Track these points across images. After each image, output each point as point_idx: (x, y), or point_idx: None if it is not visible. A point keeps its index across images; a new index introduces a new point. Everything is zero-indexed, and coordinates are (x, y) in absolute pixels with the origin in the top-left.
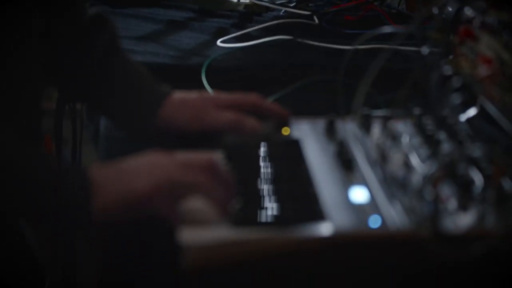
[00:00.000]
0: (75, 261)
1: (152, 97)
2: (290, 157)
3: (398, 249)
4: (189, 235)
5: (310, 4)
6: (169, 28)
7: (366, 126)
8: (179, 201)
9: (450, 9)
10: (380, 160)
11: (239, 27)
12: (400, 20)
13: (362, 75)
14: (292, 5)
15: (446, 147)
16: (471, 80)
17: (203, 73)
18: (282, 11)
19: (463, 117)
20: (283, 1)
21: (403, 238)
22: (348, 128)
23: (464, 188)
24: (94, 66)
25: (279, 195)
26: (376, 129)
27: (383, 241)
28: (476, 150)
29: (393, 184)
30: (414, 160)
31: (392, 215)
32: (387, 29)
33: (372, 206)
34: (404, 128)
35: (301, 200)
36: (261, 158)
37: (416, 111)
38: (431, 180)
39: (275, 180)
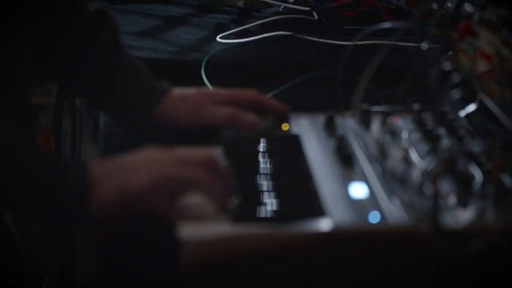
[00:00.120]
0: (75, 260)
1: (152, 94)
2: (289, 153)
3: (397, 245)
4: (188, 231)
5: (309, 0)
6: (168, 24)
7: (365, 121)
8: (178, 197)
9: (450, 4)
10: (380, 156)
11: (239, 23)
12: (399, 16)
13: (361, 71)
14: (291, 1)
15: (446, 142)
16: (470, 76)
17: (203, 68)
18: (282, 6)
19: (463, 113)
20: None
21: (403, 234)
22: (348, 123)
23: (464, 184)
24: (94, 62)
25: (278, 191)
26: (376, 125)
27: (383, 237)
28: (475, 146)
29: (393, 179)
30: (414, 155)
31: (392, 211)
32: (386, 25)
33: (372, 201)
34: (403, 124)
35: (301, 196)
36: (260, 154)
37: (416, 107)
38: (431, 176)
39: (274, 175)
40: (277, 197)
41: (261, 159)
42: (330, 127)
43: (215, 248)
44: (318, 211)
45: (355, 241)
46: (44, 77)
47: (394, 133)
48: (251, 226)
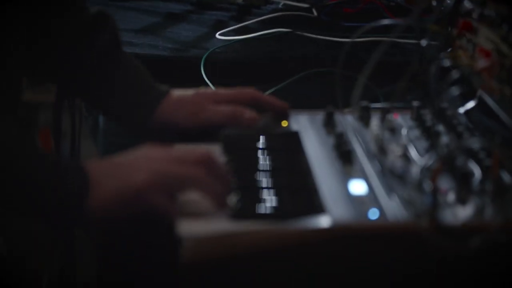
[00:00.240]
0: (75, 260)
1: (151, 94)
2: (289, 150)
3: (397, 241)
4: (187, 228)
5: None
6: (168, 21)
7: (365, 118)
8: (175, 195)
9: (449, 1)
10: (379, 153)
11: (238, 19)
12: (399, 13)
13: (361, 68)
14: None
15: (445, 139)
16: (470, 72)
17: (202, 65)
18: (281, 3)
19: (462, 110)
20: None
21: (402, 230)
22: (347, 120)
23: (463, 181)
24: (94, 62)
25: (278, 188)
26: (375, 122)
27: (382, 233)
28: (474, 143)
29: (392, 176)
30: (413, 152)
31: (391, 208)
32: (385, 21)
33: (371, 198)
34: (403, 121)
35: (300, 193)
36: (259, 151)
37: (415, 103)
38: (430, 173)
39: (274, 172)
40: (276, 194)
41: (260, 156)
42: (329, 124)
43: (214, 245)
44: (318, 208)
45: (354, 237)
46: (43, 77)
47: (394, 130)
48: (250, 223)
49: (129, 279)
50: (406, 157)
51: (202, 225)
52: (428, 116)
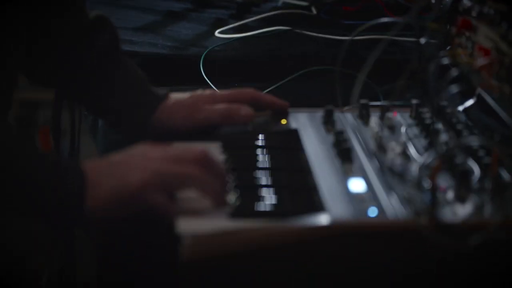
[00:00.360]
0: (75, 260)
1: (149, 98)
2: (288, 148)
3: (396, 239)
4: (186, 225)
5: None
6: (168, 19)
7: (364, 116)
8: (174, 194)
9: None
10: (378, 151)
11: (237, 18)
12: (398, 11)
13: (360, 66)
14: None
15: (444, 137)
16: (469, 70)
17: (201, 63)
18: (280, 1)
19: (461, 108)
20: None
21: (401, 228)
22: (346, 118)
23: (462, 179)
24: (92, 66)
25: (277, 186)
26: (374, 120)
27: (381, 231)
28: (474, 141)
29: (391, 174)
30: (412, 150)
31: (390, 206)
32: (384, 19)
33: (370, 196)
34: (402, 119)
35: (299, 191)
36: (259, 149)
37: (414, 101)
38: (429, 171)
39: (273, 170)
40: (275, 192)
41: (259, 154)
42: (328, 122)
43: (213, 243)
44: (317, 206)
45: (353, 236)
46: (43, 80)
47: (393, 128)
48: (249, 221)
49: (128, 279)
50: (405, 155)
51: (201, 223)
52: (427, 114)
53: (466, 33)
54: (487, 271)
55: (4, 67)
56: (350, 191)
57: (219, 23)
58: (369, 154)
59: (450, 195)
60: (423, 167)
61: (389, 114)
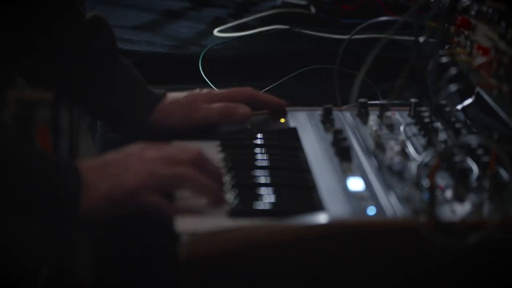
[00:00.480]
0: (73, 260)
1: (147, 100)
2: (287, 146)
3: (395, 238)
4: (184, 224)
5: None
6: (166, 18)
7: (363, 115)
8: (171, 193)
9: None
10: (377, 149)
11: (236, 16)
12: (397, 10)
13: (359, 65)
14: None
15: (443, 136)
16: (467, 69)
17: (200, 62)
18: (279, 0)
19: (460, 107)
20: None
21: (400, 227)
22: (345, 117)
23: (461, 177)
24: (90, 68)
25: (276, 185)
26: (373, 118)
27: (380, 230)
28: (472, 139)
29: (390, 173)
30: (411, 149)
31: (389, 204)
32: (383, 18)
33: (369, 195)
34: (401, 118)
35: (298, 189)
36: (257, 147)
37: (413, 100)
38: (428, 169)
39: (271, 169)
40: (274, 190)
41: (258, 153)
42: (327, 121)
43: (212, 241)
44: (316, 204)
45: (352, 234)
46: (40, 82)
47: (392, 127)
48: (248, 219)
49: (128, 279)
50: (404, 154)
51: (200, 221)
52: (426, 113)
53: (465, 32)
54: (486, 270)
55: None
56: (349, 189)
57: (218, 22)
58: (368, 152)
59: (448, 194)
60: (422, 166)
61: (388, 113)
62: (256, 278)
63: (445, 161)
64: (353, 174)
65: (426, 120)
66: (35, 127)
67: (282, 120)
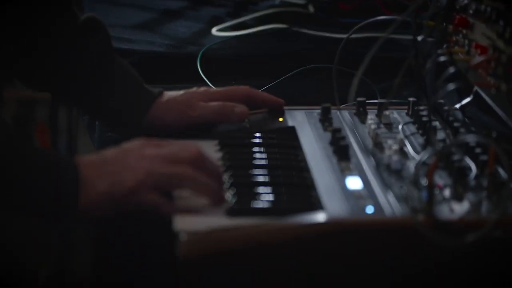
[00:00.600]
0: (73, 259)
1: (143, 99)
2: (285, 145)
3: (393, 237)
4: (183, 223)
5: None
6: (165, 17)
7: (361, 114)
8: (167, 193)
9: None
10: (375, 148)
11: (234, 16)
12: (395, 9)
13: (357, 64)
14: None
15: (441, 135)
16: (466, 68)
17: (198, 61)
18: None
19: (458, 105)
20: None
21: (398, 226)
22: (344, 116)
23: (459, 176)
24: (86, 69)
25: (274, 184)
26: (371, 117)
27: (378, 229)
28: (470, 138)
29: (388, 171)
30: (409, 148)
31: (387, 203)
32: (382, 17)
33: (367, 194)
34: (399, 116)
35: (297, 188)
36: (256, 146)
37: (411, 99)
38: (426, 168)
39: (270, 168)
40: (273, 189)
41: (257, 152)
42: (326, 120)
43: (210, 240)
44: (314, 203)
45: (350, 233)
46: (36, 84)
47: (390, 126)
48: (246, 218)
49: (126, 277)
50: (402, 152)
51: (198, 220)
52: (424, 111)
53: (463, 31)
54: (484, 269)
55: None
56: (347, 188)
57: (216, 21)
58: (366, 151)
59: (447, 192)
60: (420, 165)
61: (386, 112)
62: (254, 277)
63: (443, 160)
64: (351, 173)
65: (425, 119)
66: (34, 127)
67: (281, 119)
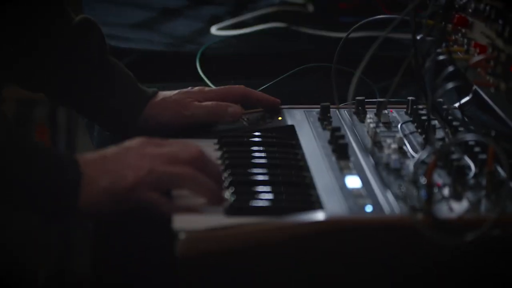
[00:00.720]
0: (72, 258)
1: (138, 99)
2: (284, 144)
3: (392, 235)
4: (182, 222)
5: None
6: (164, 16)
7: (360, 113)
8: (167, 192)
9: None
10: (374, 147)
11: (234, 14)
12: (394, 8)
13: (356, 63)
14: None
15: (440, 134)
16: (465, 67)
17: (197, 60)
18: None
19: (457, 104)
20: None
21: (398, 224)
22: (343, 115)
23: (458, 175)
24: (80, 70)
25: (273, 183)
26: (371, 116)
27: (377, 227)
28: (469, 137)
29: (387, 170)
30: (408, 146)
31: (386, 202)
32: (381, 16)
33: (366, 192)
34: (398, 115)
35: (296, 187)
36: (255, 145)
37: (410, 98)
38: (425, 167)
39: (269, 167)
40: (272, 188)
41: (255, 151)
42: (325, 119)
43: (208, 239)
44: (313, 202)
45: (349, 231)
46: (32, 85)
47: (389, 125)
48: (245, 217)
49: (126, 277)
50: (401, 151)
51: (197, 219)
52: (423, 110)
53: (462, 30)
54: (483, 267)
55: None
56: (346, 187)
57: (215, 20)
58: (365, 150)
59: (446, 191)
60: (419, 164)
61: (385, 111)
62: (253, 276)
63: (443, 158)
64: (350, 171)
65: (424, 117)
66: (34, 127)
67: (280, 118)
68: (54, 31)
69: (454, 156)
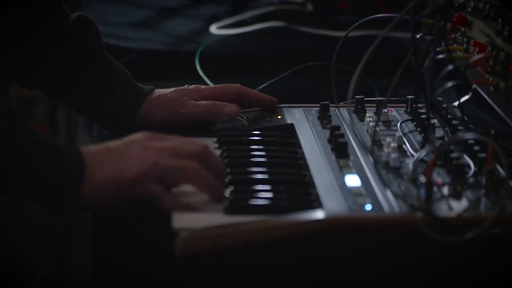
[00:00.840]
0: (72, 257)
1: (134, 97)
2: (284, 143)
3: (391, 234)
4: (181, 220)
5: None
6: (163, 15)
7: (360, 112)
8: (170, 186)
9: None
10: (374, 146)
11: (233, 13)
12: (394, 7)
13: (356, 62)
14: None
15: (439, 132)
16: (464, 66)
17: (197, 59)
18: None
19: (456, 103)
20: None
21: (397, 223)
22: (342, 114)
23: (457, 173)
24: (76, 68)
25: (273, 181)
26: (370, 115)
27: (377, 226)
28: (469, 136)
29: (387, 169)
30: (408, 145)
31: (386, 200)
32: (380, 15)
33: (366, 191)
34: (397, 114)
35: (295, 186)
36: (254, 144)
37: (410, 97)
38: (424, 165)
39: (268, 166)
40: (271, 187)
41: (255, 149)
42: (324, 118)
43: (208, 237)
44: (313, 200)
45: (349, 230)
46: (29, 84)
47: (388, 123)
48: (245, 216)
49: (126, 276)
50: (400, 150)
51: (197, 218)
52: (422, 109)
53: (461, 29)
54: (482, 266)
55: None
56: (345, 186)
57: (214, 19)
58: (365, 149)
59: (445, 190)
60: (419, 162)
61: (385, 110)
62: (253, 274)
63: (442, 157)
64: (350, 170)
65: (423, 116)
66: (34, 124)
67: (279, 117)
68: (53, 31)
69: (454, 155)
